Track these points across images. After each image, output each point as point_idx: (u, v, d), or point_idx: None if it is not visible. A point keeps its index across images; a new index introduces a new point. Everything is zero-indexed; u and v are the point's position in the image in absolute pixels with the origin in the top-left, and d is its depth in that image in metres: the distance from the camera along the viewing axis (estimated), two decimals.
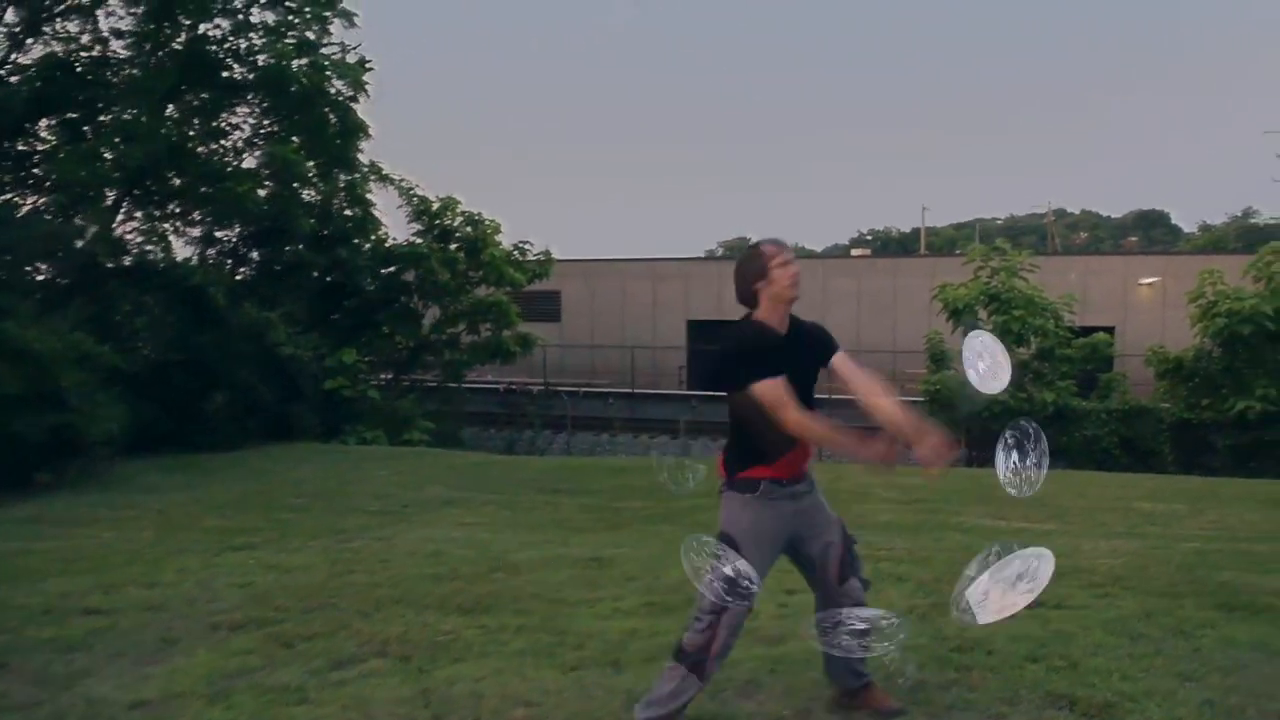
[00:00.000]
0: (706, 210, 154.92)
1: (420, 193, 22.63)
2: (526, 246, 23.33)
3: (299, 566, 7.03)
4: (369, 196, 21.66)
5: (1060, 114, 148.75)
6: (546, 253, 23.48)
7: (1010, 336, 18.46)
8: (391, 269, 22.67)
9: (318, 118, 19.04)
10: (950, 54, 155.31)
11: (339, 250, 20.60)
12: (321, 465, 14.66)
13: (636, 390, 31.42)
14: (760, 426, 3.49)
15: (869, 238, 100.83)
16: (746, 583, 3.45)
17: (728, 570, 3.44)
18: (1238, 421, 18.02)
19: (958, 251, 41.10)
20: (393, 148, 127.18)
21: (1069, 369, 19.95)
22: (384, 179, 21.62)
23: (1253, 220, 77.47)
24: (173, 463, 14.90)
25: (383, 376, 22.71)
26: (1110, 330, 28.86)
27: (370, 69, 20.76)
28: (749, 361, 3.54)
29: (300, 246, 20.12)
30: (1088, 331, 21.20)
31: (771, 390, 3.44)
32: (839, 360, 3.71)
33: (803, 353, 3.66)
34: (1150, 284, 29.71)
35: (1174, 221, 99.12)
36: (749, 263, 3.67)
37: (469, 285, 23.01)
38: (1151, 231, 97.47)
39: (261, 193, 19.23)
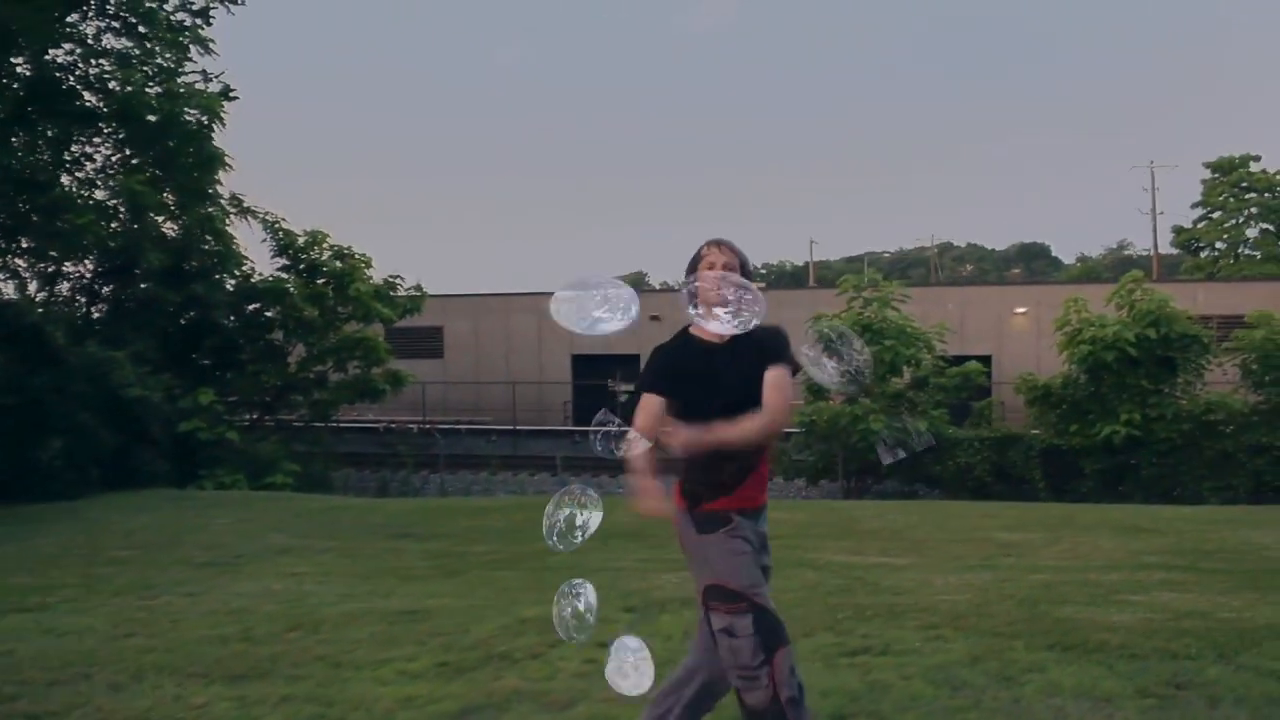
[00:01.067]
0: (609, 245, 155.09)
1: (286, 226, 21.77)
2: (397, 281, 22.60)
3: (76, 630, 6.34)
4: (230, 230, 20.80)
5: (947, 152, 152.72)
6: (418, 287, 22.78)
7: (883, 366, 18.42)
8: (255, 305, 21.80)
9: (172, 148, 18.23)
10: (844, 96, 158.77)
11: (195, 286, 19.67)
12: (162, 514, 13.75)
13: (519, 427, 30.83)
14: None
15: (764, 271, 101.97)
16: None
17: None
18: (1105, 446, 18.21)
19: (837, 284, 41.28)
20: (271, 183, 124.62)
21: (943, 397, 20.01)
22: (245, 212, 20.77)
23: (1126, 252, 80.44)
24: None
25: (247, 417, 21.76)
26: (987, 359, 29.22)
27: (234, 98, 20.08)
28: (649, 375, 3.44)
29: (152, 283, 19.18)
30: (964, 360, 21.31)
31: (640, 408, 3.33)
32: (768, 376, 3.29)
33: (734, 365, 3.31)
34: (1024, 313, 30.20)
35: (1054, 254, 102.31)
36: (689, 262, 3.45)
37: (338, 322, 22.21)
38: (1033, 263, 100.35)
39: (115, 226, 18.33)
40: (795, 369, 3.31)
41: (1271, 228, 46.79)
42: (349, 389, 21.98)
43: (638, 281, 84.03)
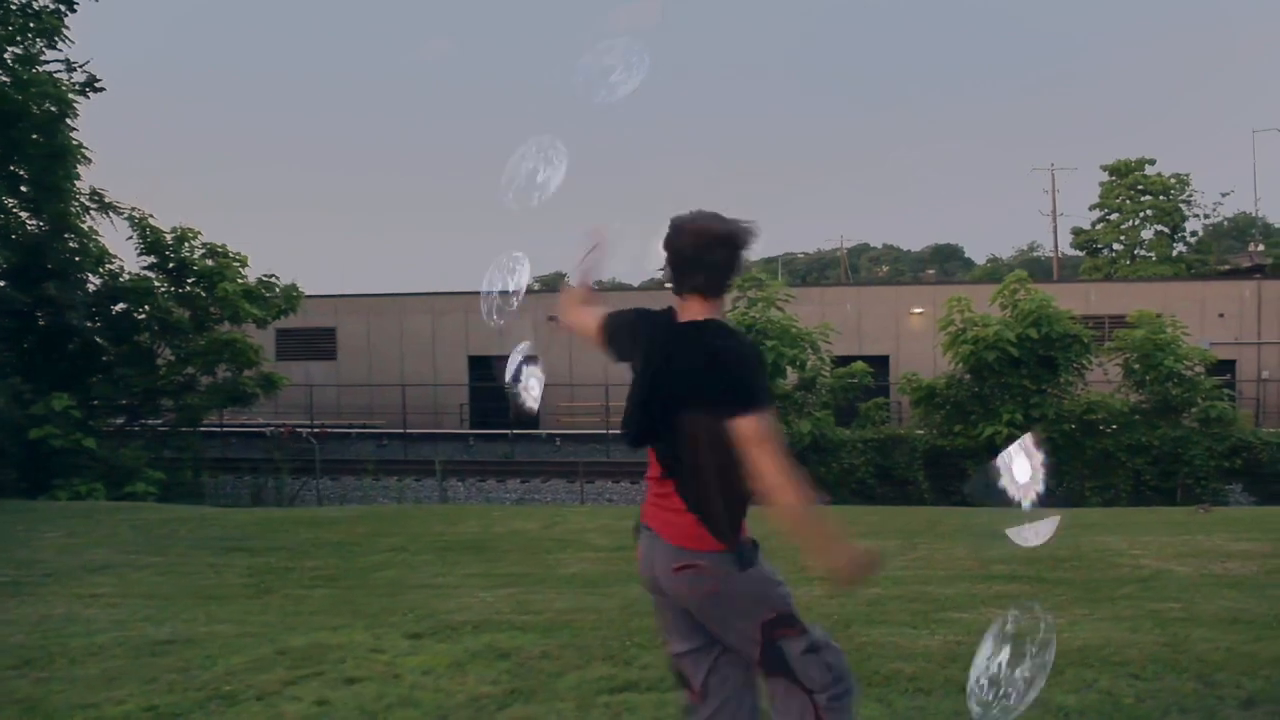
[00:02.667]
0: (523, 246, 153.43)
1: (153, 223, 20.77)
2: (272, 280, 21.71)
3: None
4: (92, 228, 19.80)
5: (865, 157, 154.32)
6: (294, 287, 21.91)
7: (766, 366, 18.05)
8: (122, 306, 20.78)
9: (17, 139, 17.25)
10: (770, 101, 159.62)
11: (48, 286, 18.62)
12: None
13: (410, 430, 30.05)
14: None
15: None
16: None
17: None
18: (987, 447, 18.04)
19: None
20: (163, 181, 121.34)
21: (830, 399, 19.75)
22: (107, 208, 19.75)
23: (1035, 253, 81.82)
24: None
25: (111, 424, 20.72)
26: (885, 360, 29.22)
27: (99, 89, 19.17)
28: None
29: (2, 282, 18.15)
30: (858, 360, 21.10)
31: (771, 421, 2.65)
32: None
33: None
34: (920, 313, 30.20)
35: (967, 255, 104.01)
36: (740, 239, 2.84)
37: (210, 323, 21.27)
38: (947, 264, 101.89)
39: None
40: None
41: (1165, 229, 47.71)
42: (219, 394, 21.04)
43: (556, 282, 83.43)
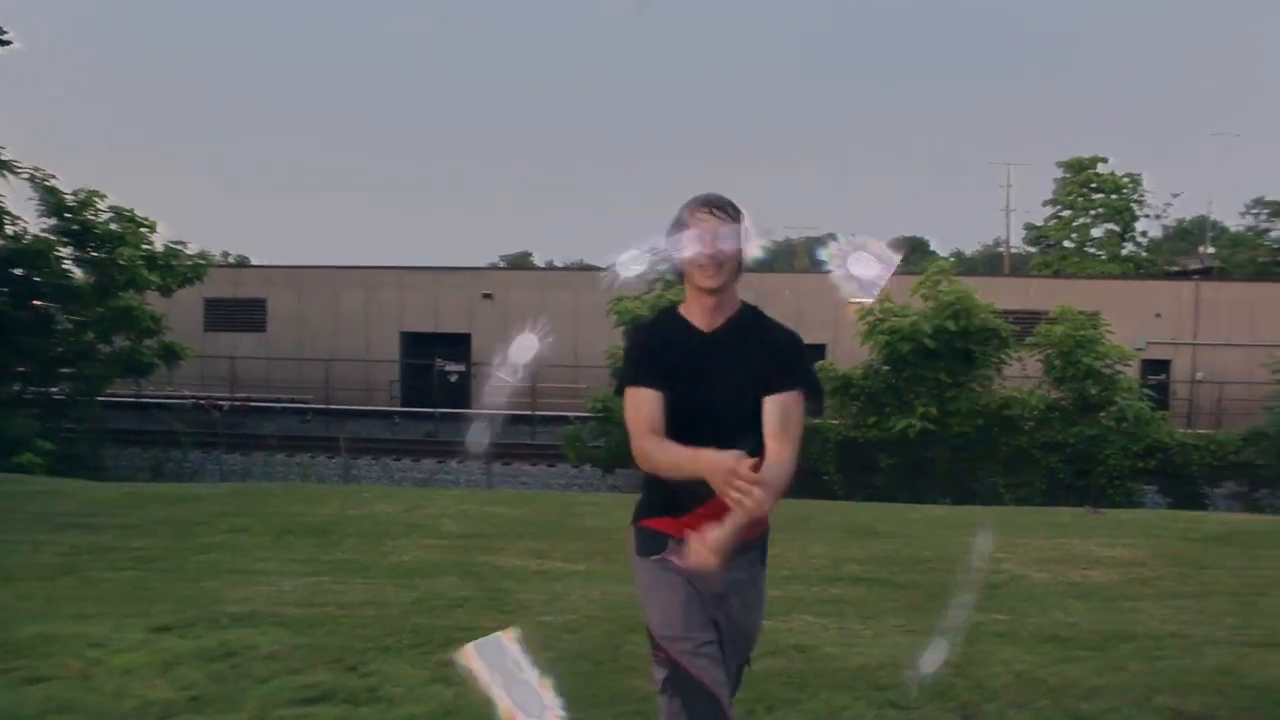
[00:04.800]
0: (480, 225, 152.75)
1: (54, 185, 19.98)
2: (179, 247, 20.98)
3: None
4: None
5: (834, 144, 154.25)
6: (203, 255, 21.21)
7: None
8: (19, 271, 20.00)
9: None
10: (741, 94, 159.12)
11: None
12: None
13: (336, 406, 29.39)
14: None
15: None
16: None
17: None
18: (900, 440, 17.70)
19: None
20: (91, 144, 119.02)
21: None
22: (2, 166, 18.95)
23: (999, 249, 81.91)
24: None
25: (8, 390, 19.98)
26: (822, 348, 28.88)
27: (6, 43, 18.41)
28: (635, 363, 2.61)
29: None
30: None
31: (631, 402, 2.52)
32: (776, 404, 2.54)
33: (732, 361, 2.58)
34: (859, 303, 29.81)
35: (933, 248, 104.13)
36: (672, 226, 2.64)
37: (115, 290, 20.51)
38: (913, 256, 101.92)
39: None
40: (813, 394, 2.62)
41: (1116, 228, 47.65)
42: (117, 363, 20.32)
43: (522, 262, 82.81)
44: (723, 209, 2.56)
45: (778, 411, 2.52)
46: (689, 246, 2.52)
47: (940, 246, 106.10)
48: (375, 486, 17.14)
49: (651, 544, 2.63)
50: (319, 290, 33.21)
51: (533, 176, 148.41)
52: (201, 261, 21.18)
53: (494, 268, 33.67)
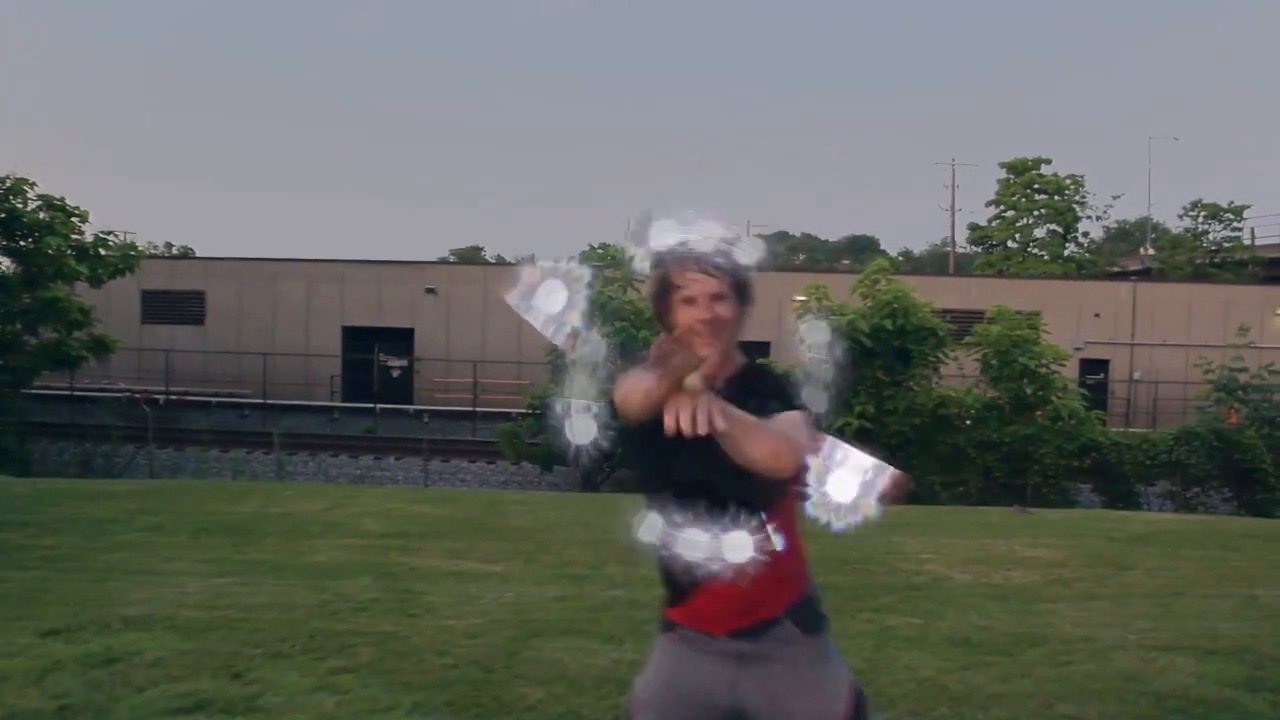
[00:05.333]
0: (429, 218, 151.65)
1: None
2: (108, 237, 20.51)
3: None
4: None
5: (788, 144, 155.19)
6: (133, 246, 20.74)
7: (613, 350, 17.47)
8: None
9: None
10: (688, 91, 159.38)
11: None
12: None
13: (275, 401, 28.94)
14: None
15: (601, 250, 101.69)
16: None
17: None
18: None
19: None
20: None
21: None
22: None
23: (947, 249, 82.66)
24: None
25: None
26: (767, 346, 28.88)
27: None
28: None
29: None
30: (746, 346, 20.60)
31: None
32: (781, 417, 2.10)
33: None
34: (803, 301, 29.86)
35: (883, 247, 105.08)
36: (653, 280, 2.28)
37: (44, 280, 20.00)
38: (862, 255, 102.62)
39: None
40: (815, 416, 2.18)
41: (1059, 229, 48.16)
42: (43, 355, 19.82)
43: (473, 256, 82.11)
44: (716, 265, 2.19)
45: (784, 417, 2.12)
46: (683, 313, 2.20)
47: (890, 246, 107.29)
48: (301, 484, 16.85)
49: (664, 626, 2.35)
50: (259, 283, 32.69)
51: (483, 170, 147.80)
52: (132, 252, 20.61)
53: (440, 262, 33.25)
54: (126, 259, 20.45)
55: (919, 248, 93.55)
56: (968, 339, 19.29)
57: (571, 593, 6.74)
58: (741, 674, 2.25)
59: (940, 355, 18.57)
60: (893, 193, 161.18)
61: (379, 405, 28.92)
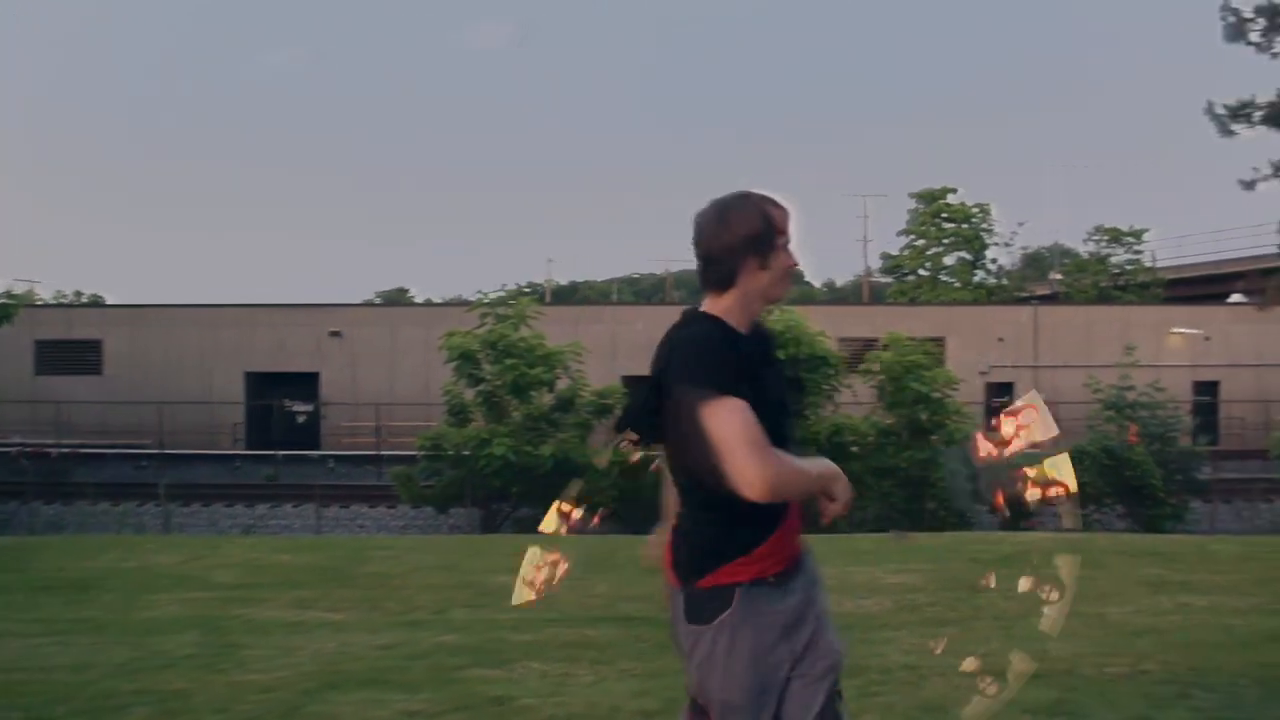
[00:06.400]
0: (334, 258, 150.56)
1: None
2: None
3: None
4: None
5: (712, 178, 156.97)
6: (8, 294, 20.13)
7: (505, 387, 17.34)
8: None
9: None
10: (621, 129, 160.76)
11: None
12: None
13: (175, 451, 28.23)
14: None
15: (528, 290, 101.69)
16: None
17: None
18: None
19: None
20: None
21: (588, 419, 19.12)
22: None
23: (873, 279, 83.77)
24: None
25: None
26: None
27: None
28: (723, 372, 2.16)
29: None
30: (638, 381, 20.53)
31: (731, 415, 2.12)
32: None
33: (770, 364, 2.43)
34: None
35: (808, 279, 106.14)
36: (745, 218, 2.31)
37: None
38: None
39: None
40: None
41: (968, 256, 49.04)
42: None
43: (398, 298, 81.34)
44: None
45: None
46: (788, 259, 2.36)
47: (814, 278, 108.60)
48: (162, 536, 16.44)
49: (721, 599, 2.30)
50: (158, 330, 31.99)
51: (409, 212, 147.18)
52: (10, 300, 20.00)
53: (344, 304, 32.81)
54: (4, 308, 19.82)
55: (843, 279, 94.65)
56: (862, 366, 19.43)
57: (400, 640, 6.50)
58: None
59: (835, 383, 18.65)
60: (819, 225, 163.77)
61: (281, 452, 28.31)
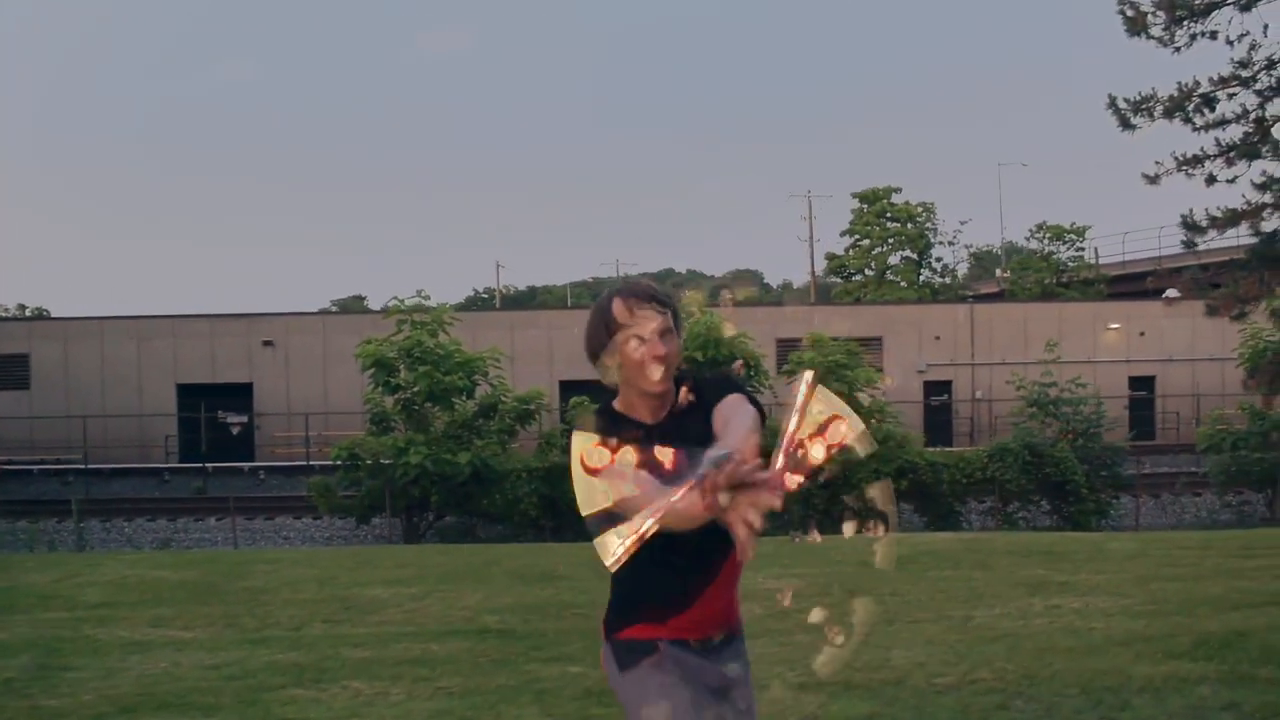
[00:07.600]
0: (279, 264, 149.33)
1: None
2: None
3: None
4: None
5: (676, 187, 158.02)
6: None
7: (421, 394, 17.11)
8: None
9: None
10: (573, 132, 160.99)
11: None
12: None
13: (101, 465, 27.70)
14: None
15: (486, 295, 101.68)
16: None
17: None
18: None
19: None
20: None
21: (510, 425, 18.92)
22: None
23: (825, 279, 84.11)
24: None
25: None
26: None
27: None
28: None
29: None
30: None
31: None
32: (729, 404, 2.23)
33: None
34: None
35: (767, 280, 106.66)
36: (594, 319, 2.34)
37: None
38: (750, 288, 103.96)
39: None
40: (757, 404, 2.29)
41: (913, 255, 49.24)
42: None
43: (355, 305, 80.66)
44: (661, 301, 2.27)
45: (730, 412, 2.19)
46: (634, 351, 2.22)
47: (772, 278, 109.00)
48: (45, 555, 16.18)
49: (638, 651, 2.30)
50: (86, 342, 31.35)
51: (365, 219, 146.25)
52: None
53: (275, 313, 32.35)
54: None
55: (800, 279, 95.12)
56: (785, 368, 19.35)
57: (233, 659, 6.29)
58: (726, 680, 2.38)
59: (757, 385, 18.53)
60: (768, 227, 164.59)
61: (211, 465, 27.85)
